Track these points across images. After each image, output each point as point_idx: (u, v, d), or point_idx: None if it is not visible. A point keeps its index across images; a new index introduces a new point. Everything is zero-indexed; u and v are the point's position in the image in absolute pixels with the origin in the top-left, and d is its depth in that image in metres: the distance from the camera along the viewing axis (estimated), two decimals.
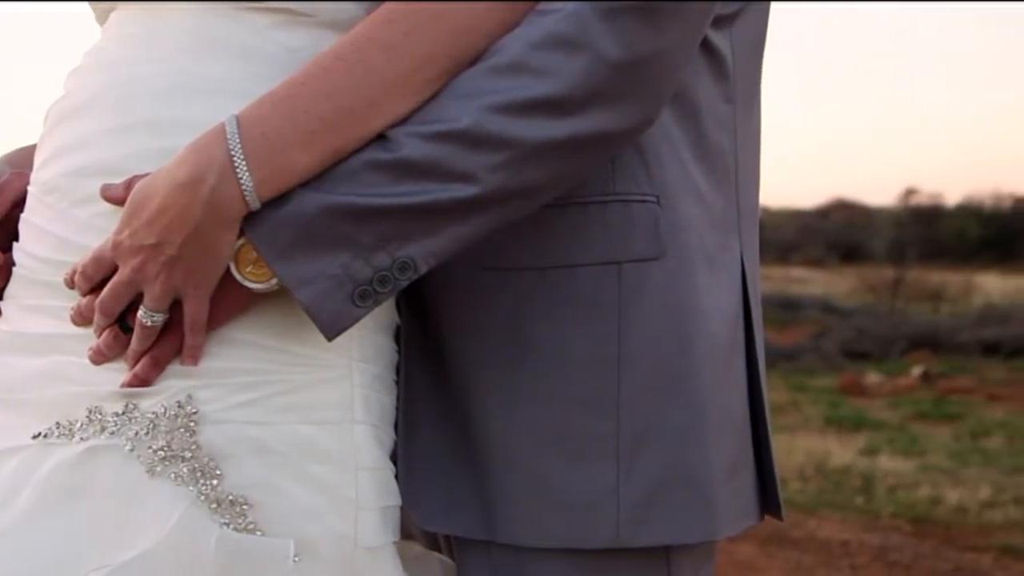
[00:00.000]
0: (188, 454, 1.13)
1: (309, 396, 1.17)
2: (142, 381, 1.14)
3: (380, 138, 1.11)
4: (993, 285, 23.35)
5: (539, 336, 1.22)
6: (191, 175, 1.09)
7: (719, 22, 1.25)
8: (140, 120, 1.18)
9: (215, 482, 1.13)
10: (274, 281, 1.12)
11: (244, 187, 1.09)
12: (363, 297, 1.11)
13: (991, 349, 13.91)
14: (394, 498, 1.25)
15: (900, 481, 7.45)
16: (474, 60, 1.14)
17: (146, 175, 1.13)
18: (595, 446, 1.21)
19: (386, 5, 1.13)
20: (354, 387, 1.20)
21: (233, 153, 1.09)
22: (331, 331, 1.12)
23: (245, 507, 1.14)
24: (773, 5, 1.37)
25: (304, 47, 1.19)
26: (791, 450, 8.06)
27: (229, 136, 1.09)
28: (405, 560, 1.27)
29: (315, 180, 1.11)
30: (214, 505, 1.13)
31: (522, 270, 1.23)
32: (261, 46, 1.19)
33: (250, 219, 1.10)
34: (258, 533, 1.14)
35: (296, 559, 1.14)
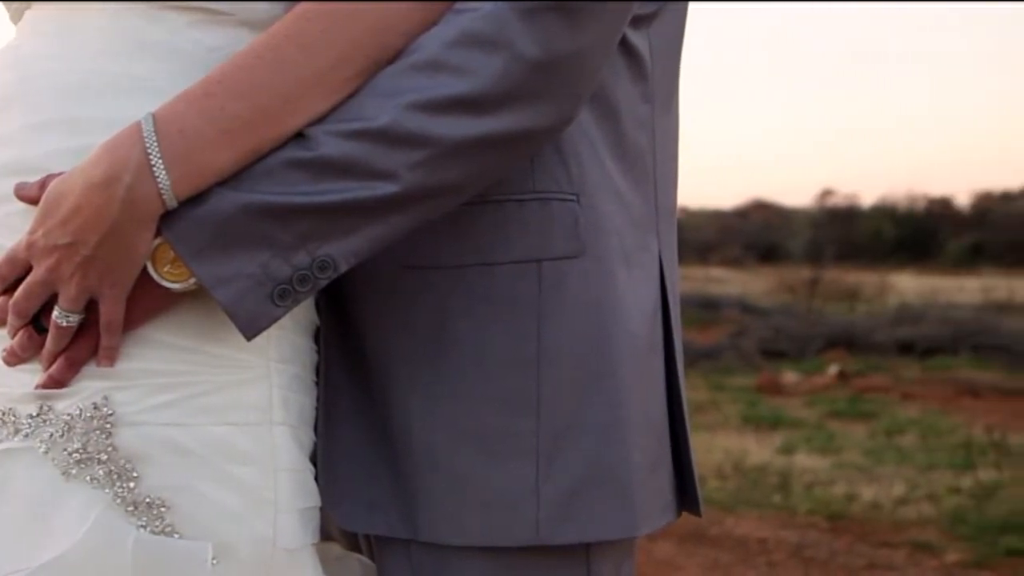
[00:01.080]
0: (104, 456, 1.12)
1: (227, 397, 1.16)
2: (57, 382, 1.13)
3: (298, 136, 1.11)
4: (908, 285, 23.66)
5: (459, 334, 1.22)
6: (107, 174, 1.08)
7: (637, 22, 1.26)
8: (55, 119, 1.17)
9: (132, 484, 1.12)
10: (192, 280, 1.11)
11: (161, 186, 1.08)
12: (282, 296, 1.11)
13: (906, 348, 14.08)
14: (313, 499, 1.24)
15: (816, 479, 7.53)
16: (393, 58, 1.14)
17: (61, 174, 1.12)
18: (515, 444, 1.22)
19: (303, 4, 1.13)
20: (273, 388, 1.20)
21: (150, 151, 1.08)
22: (250, 331, 1.11)
23: (162, 509, 1.13)
24: (691, 6, 1.38)
25: (222, 45, 1.18)
26: (710, 448, 8.12)
27: (145, 134, 1.08)
28: (325, 561, 1.26)
29: (233, 179, 1.10)
30: (131, 508, 1.12)
31: (442, 268, 1.23)
32: (178, 44, 1.18)
33: (167, 218, 1.09)
34: (176, 536, 1.13)
35: (214, 561, 1.13)
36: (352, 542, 1.36)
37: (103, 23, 1.19)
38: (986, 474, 7.67)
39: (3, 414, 1.14)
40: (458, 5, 1.14)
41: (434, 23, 1.14)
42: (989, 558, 5.80)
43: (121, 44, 1.18)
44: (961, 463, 8.01)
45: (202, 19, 1.19)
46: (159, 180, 1.08)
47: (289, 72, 1.11)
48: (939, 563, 5.73)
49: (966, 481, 7.48)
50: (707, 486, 7.01)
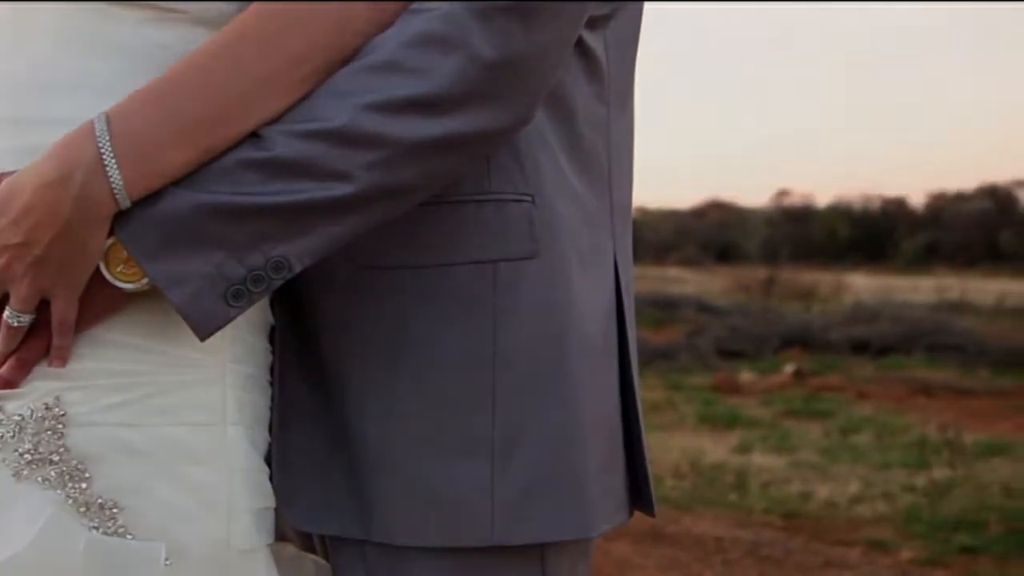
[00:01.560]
0: (56, 457, 1.11)
1: (181, 397, 1.16)
2: (8, 383, 1.12)
3: (253, 136, 1.11)
4: (862, 284, 23.82)
5: (414, 335, 1.22)
6: (59, 173, 1.07)
7: (593, 23, 1.26)
8: (5, 118, 1.16)
9: (84, 485, 1.12)
10: (145, 281, 1.10)
11: (114, 185, 1.07)
12: (236, 297, 1.10)
13: (860, 347, 14.17)
14: (268, 499, 1.24)
15: (772, 477, 7.56)
16: (349, 58, 1.13)
17: (12, 173, 1.11)
18: (470, 445, 1.22)
19: (258, 3, 1.12)
20: (227, 388, 1.19)
21: (102, 151, 1.07)
22: (204, 331, 1.11)
23: (115, 510, 1.12)
24: (648, 6, 1.38)
25: (175, 44, 1.18)
26: (666, 447, 8.14)
27: (98, 133, 1.08)
28: (279, 562, 1.26)
29: (187, 179, 1.09)
30: (83, 509, 1.12)
31: (397, 269, 1.23)
32: (131, 43, 1.17)
33: (120, 218, 1.09)
34: (128, 537, 1.12)
35: (167, 562, 1.13)
36: (307, 543, 1.35)
37: (55, 21, 1.18)
38: (940, 472, 7.73)
39: None
40: (415, 6, 1.14)
41: (390, 24, 1.14)
42: (943, 555, 5.84)
43: (73, 42, 1.17)
44: (915, 462, 8.07)
45: (155, 17, 1.18)
46: (112, 180, 1.07)
47: (243, 72, 1.10)
48: (893, 561, 5.77)
49: (920, 479, 7.53)
50: (664, 485, 7.04)
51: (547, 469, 1.23)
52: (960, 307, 19.15)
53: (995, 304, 20.09)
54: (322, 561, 1.32)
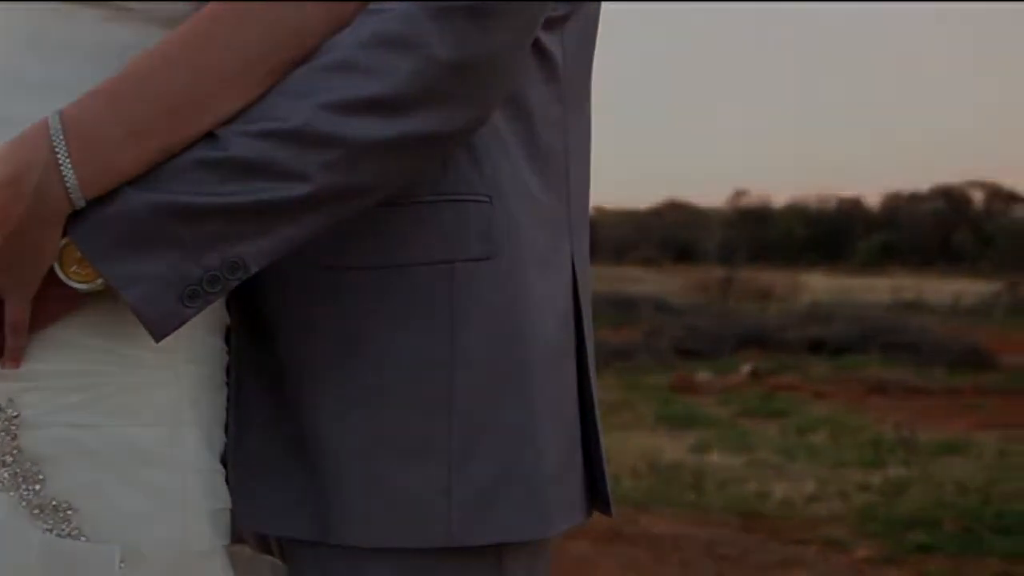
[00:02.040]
0: (9, 459, 1.11)
1: (137, 398, 1.15)
2: None
3: (209, 136, 1.10)
4: (819, 284, 23.96)
5: (372, 336, 1.22)
6: (13, 172, 1.06)
7: (550, 23, 1.26)
8: None
9: (37, 487, 1.11)
10: (99, 281, 1.09)
11: (68, 185, 1.06)
12: (192, 297, 1.10)
13: (817, 347, 14.26)
14: (224, 501, 1.23)
15: (729, 476, 7.60)
16: (305, 59, 1.13)
17: None
18: (428, 446, 1.21)
19: (214, 3, 1.12)
20: (183, 388, 1.19)
21: (57, 150, 1.06)
22: (159, 332, 1.10)
23: (69, 512, 1.12)
24: (608, 6, 1.39)
25: (130, 43, 1.17)
26: (624, 447, 8.17)
27: (52, 133, 1.07)
28: (236, 564, 1.25)
29: (142, 179, 1.09)
30: (36, 511, 1.11)
31: (355, 269, 1.22)
32: (85, 41, 1.17)
33: (74, 218, 1.08)
34: (82, 539, 1.12)
35: (122, 564, 1.12)
36: (263, 544, 1.35)
37: (9, 19, 1.17)
38: (895, 471, 7.79)
39: None
40: (372, 6, 1.14)
41: (347, 23, 1.14)
42: (898, 554, 5.89)
43: (26, 41, 1.16)
44: (870, 461, 8.13)
45: (110, 15, 1.18)
46: (66, 179, 1.06)
47: (200, 71, 1.10)
48: (849, 559, 5.81)
49: (875, 478, 7.59)
50: (621, 485, 7.05)
51: (505, 470, 1.23)
52: (915, 307, 19.32)
53: (950, 304, 20.26)
54: (279, 563, 1.32)
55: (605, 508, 1.36)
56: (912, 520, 6.46)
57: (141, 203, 1.08)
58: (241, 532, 1.31)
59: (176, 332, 1.12)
